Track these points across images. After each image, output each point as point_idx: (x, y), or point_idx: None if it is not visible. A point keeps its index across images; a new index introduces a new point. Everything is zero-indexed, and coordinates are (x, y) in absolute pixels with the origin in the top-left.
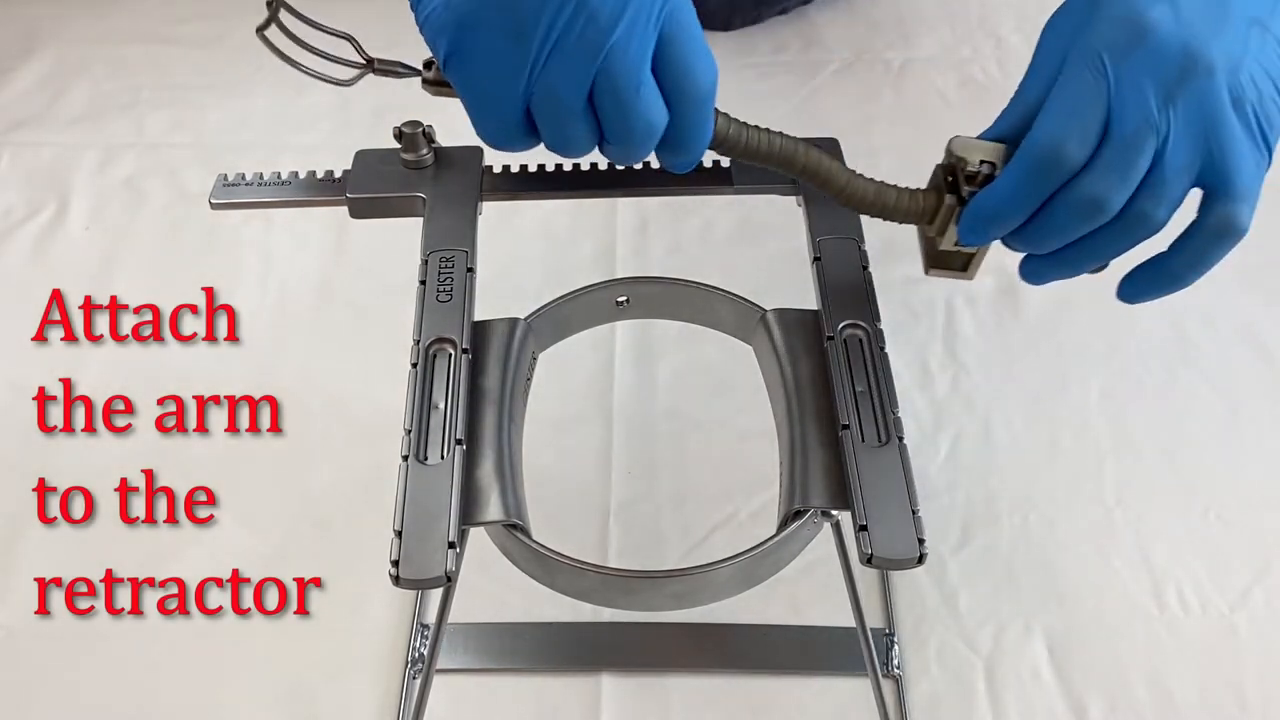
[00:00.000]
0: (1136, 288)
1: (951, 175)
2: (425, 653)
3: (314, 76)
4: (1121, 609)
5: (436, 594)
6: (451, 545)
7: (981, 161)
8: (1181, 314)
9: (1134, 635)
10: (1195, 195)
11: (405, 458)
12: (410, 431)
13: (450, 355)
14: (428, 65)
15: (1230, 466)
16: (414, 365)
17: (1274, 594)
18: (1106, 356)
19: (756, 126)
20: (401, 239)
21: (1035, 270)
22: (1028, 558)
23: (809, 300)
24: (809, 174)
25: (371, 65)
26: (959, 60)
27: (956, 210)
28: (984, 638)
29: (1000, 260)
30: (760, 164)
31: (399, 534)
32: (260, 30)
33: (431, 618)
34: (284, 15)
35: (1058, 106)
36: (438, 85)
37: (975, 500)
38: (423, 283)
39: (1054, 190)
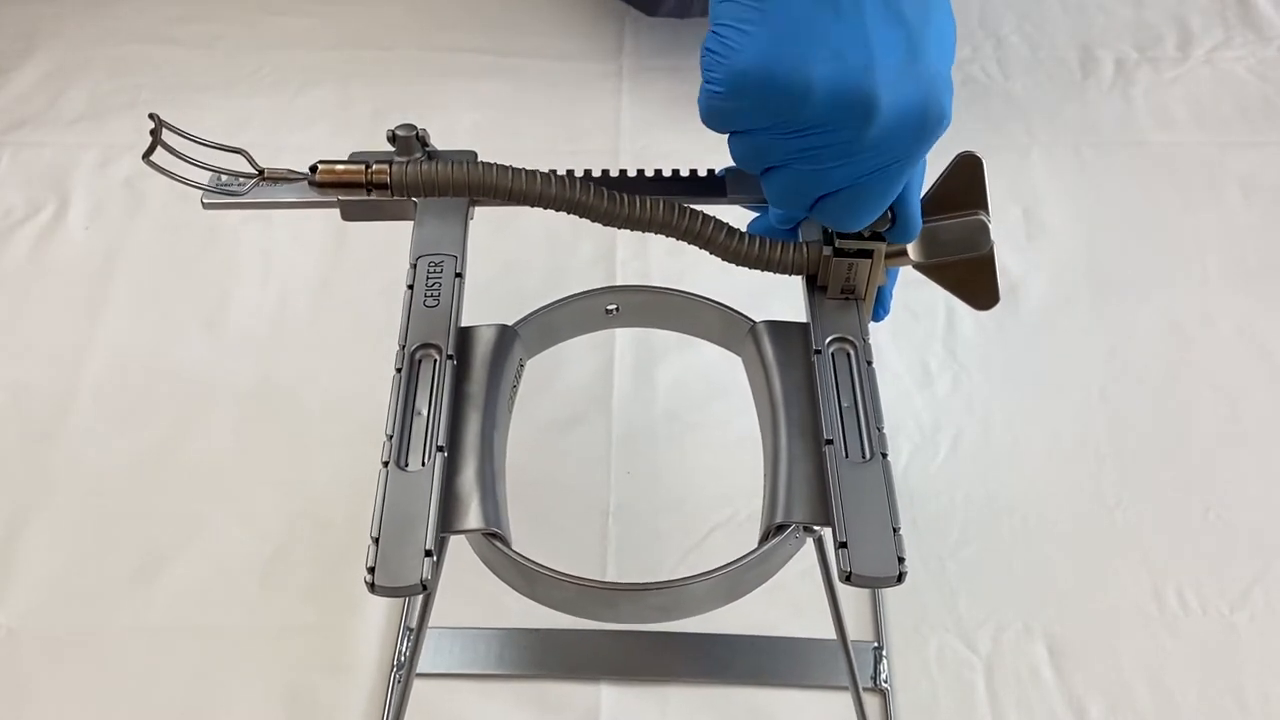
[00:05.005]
0: None
1: None
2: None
3: (209, 191)
4: (1121, 609)
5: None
6: (429, 553)
7: None
8: (1181, 314)
9: (1134, 635)
10: None
11: (385, 463)
12: (392, 437)
13: (435, 361)
14: (313, 169)
15: (1230, 466)
16: (398, 370)
17: (1274, 594)
18: (1106, 356)
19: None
20: (402, 239)
21: None
22: (1027, 558)
23: (803, 311)
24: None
25: (262, 174)
26: (959, 60)
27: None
28: (983, 638)
29: (1000, 260)
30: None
31: (376, 541)
32: (146, 157)
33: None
34: (168, 136)
35: None
36: (324, 187)
37: (975, 500)
38: (410, 287)
39: None
